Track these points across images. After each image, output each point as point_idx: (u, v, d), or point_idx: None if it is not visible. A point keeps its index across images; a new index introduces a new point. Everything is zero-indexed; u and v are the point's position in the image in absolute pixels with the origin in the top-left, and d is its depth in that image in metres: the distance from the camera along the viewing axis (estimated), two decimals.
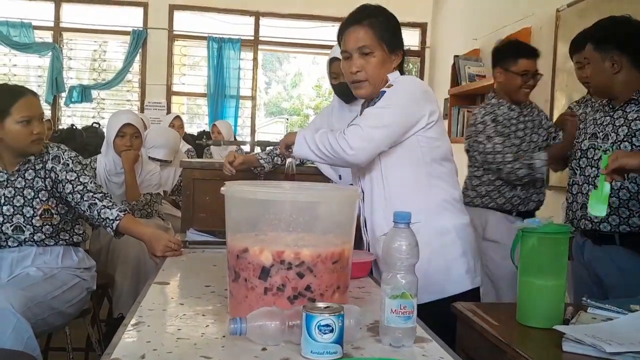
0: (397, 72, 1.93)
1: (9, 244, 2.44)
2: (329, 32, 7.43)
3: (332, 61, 2.33)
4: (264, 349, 1.12)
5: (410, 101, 1.86)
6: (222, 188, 1.31)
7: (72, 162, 2.48)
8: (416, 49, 7.48)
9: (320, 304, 1.10)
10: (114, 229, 2.37)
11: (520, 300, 1.39)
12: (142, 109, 7.28)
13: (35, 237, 2.45)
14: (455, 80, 5.71)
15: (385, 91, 1.85)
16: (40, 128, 2.38)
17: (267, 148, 2.67)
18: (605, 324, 1.28)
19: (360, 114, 1.95)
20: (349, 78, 1.93)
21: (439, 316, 1.46)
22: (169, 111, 7.24)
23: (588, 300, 1.43)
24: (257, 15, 7.60)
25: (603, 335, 1.19)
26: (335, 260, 1.27)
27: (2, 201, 2.42)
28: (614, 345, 1.13)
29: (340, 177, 2.45)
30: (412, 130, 1.86)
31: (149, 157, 3.84)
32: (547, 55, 3.95)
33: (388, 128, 1.81)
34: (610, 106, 2.31)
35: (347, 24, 1.94)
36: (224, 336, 1.20)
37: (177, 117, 6.08)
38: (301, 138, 1.89)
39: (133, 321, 1.28)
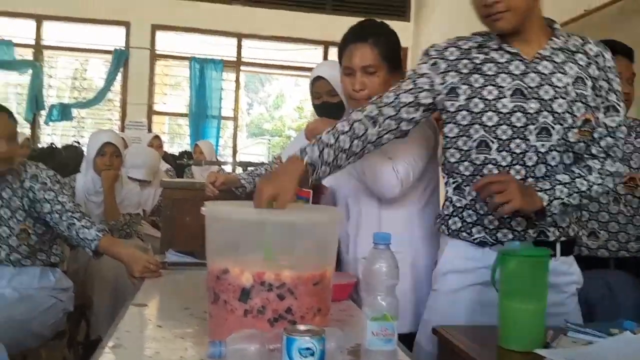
0: None
1: None
2: (311, 55, 7.50)
3: (315, 80, 2.34)
4: None
5: (426, 133, 1.88)
6: (202, 208, 1.30)
7: (50, 181, 2.45)
8: None
9: (301, 327, 1.09)
10: (92, 249, 2.34)
11: (501, 323, 1.39)
12: (122, 128, 7.26)
13: (11, 257, 2.41)
14: None
15: None
16: (7, 147, 2.32)
17: (248, 168, 2.66)
18: (586, 347, 1.29)
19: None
20: (350, 93, 1.88)
21: None
22: (149, 131, 7.22)
23: (568, 323, 1.43)
24: (240, 36, 7.64)
25: (583, 358, 1.19)
26: (316, 282, 1.26)
27: None
28: None
29: None
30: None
31: (129, 177, 3.82)
32: None
33: (419, 163, 1.83)
34: None
35: (351, 39, 1.89)
36: None
37: (156, 137, 6.07)
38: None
39: (110, 344, 1.26)
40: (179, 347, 1.27)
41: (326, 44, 7.42)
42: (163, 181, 3.22)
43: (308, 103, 3.69)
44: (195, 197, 2.58)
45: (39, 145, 6.82)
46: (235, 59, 7.70)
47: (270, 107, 12.17)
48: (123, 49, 7.40)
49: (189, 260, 2.30)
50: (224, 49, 7.67)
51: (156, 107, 7.65)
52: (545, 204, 1.48)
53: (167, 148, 6.94)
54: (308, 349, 1.04)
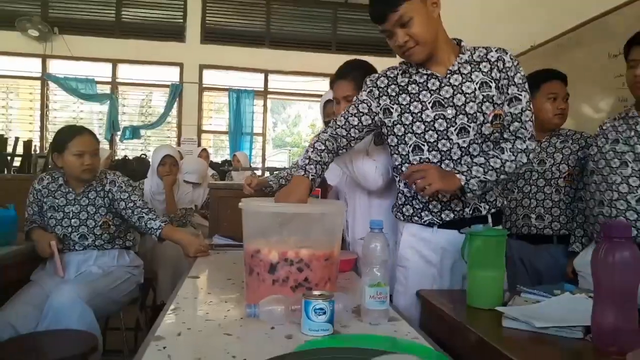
0: None
1: (76, 248, 2.42)
2: (320, 85, 7.48)
3: (326, 104, 2.33)
4: (272, 328, 1.11)
5: None
6: (239, 203, 1.30)
7: (125, 185, 2.47)
8: None
9: (316, 292, 1.09)
10: (157, 235, 2.35)
11: (469, 288, 1.38)
12: (179, 144, 7.29)
13: (96, 243, 2.43)
14: None
15: None
16: (92, 160, 2.35)
17: (275, 172, 2.65)
18: (535, 305, 1.28)
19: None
20: None
21: None
22: (199, 145, 7.26)
23: (521, 287, 1.42)
24: (266, 72, 7.66)
25: (533, 313, 1.18)
26: (327, 258, 1.26)
27: (71, 215, 2.40)
28: (541, 322, 1.13)
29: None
30: None
31: (184, 180, 3.84)
32: None
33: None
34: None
35: (336, 76, 1.92)
36: (241, 318, 1.18)
37: (204, 150, 6.10)
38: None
39: (172, 307, 1.27)
40: (223, 308, 1.27)
41: (332, 76, 7.40)
42: (210, 183, 3.23)
43: (319, 121, 3.68)
44: (234, 195, 2.58)
45: (116, 158, 6.87)
46: (263, 90, 7.72)
47: (290, 125, 12.18)
48: (178, 83, 7.44)
49: (231, 242, 2.31)
50: (254, 82, 7.69)
51: (204, 127, 7.68)
52: (463, 182, 1.45)
53: (212, 158, 6.96)
54: (321, 308, 1.04)
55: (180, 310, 1.25)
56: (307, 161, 1.50)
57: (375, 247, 1.15)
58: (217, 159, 7.37)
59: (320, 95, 3.21)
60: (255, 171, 5.67)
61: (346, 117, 1.61)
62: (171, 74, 7.49)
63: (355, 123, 1.59)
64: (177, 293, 1.42)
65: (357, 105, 1.61)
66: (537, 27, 3.58)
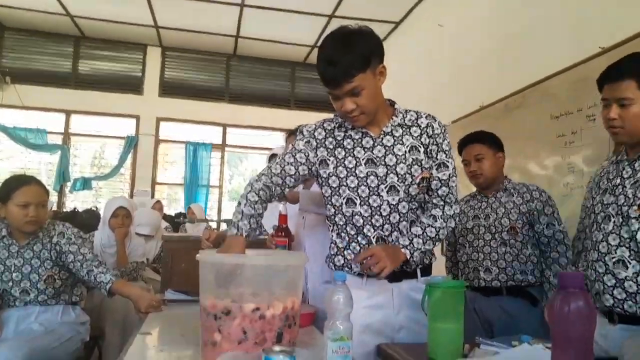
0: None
1: (16, 304, 2.26)
2: (276, 139, 7.56)
3: (271, 157, 2.34)
4: None
5: None
6: (197, 255, 1.26)
7: (75, 237, 2.36)
8: None
9: (276, 348, 1.05)
10: (107, 290, 2.24)
11: (429, 340, 1.36)
12: (132, 195, 7.10)
13: (39, 298, 2.28)
14: None
15: None
16: (36, 212, 2.24)
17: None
18: (494, 357, 1.27)
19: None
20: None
21: None
22: (152, 196, 7.09)
23: (480, 339, 1.42)
24: (225, 126, 7.69)
25: None
26: (288, 312, 1.22)
27: (12, 269, 2.26)
28: None
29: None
30: None
31: (136, 233, 3.73)
32: None
33: None
34: (482, 194, 2.40)
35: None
36: None
37: (158, 201, 5.96)
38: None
39: None
40: None
41: (288, 131, 7.50)
42: (163, 235, 3.15)
43: None
44: (188, 248, 2.51)
45: (64, 210, 6.60)
46: (221, 143, 7.71)
47: (246, 177, 12.16)
48: (134, 135, 7.34)
49: (184, 297, 2.22)
50: (212, 135, 7.69)
51: (158, 179, 7.54)
52: (408, 257, 1.52)
53: (166, 210, 6.79)
54: None
55: None
56: (239, 216, 1.51)
57: (339, 299, 1.13)
58: (171, 211, 7.21)
59: None
60: (210, 223, 5.58)
61: (282, 165, 1.60)
62: (127, 126, 7.39)
63: (292, 172, 1.60)
64: (127, 351, 1.34)
65: (294, 154, 1.61)
66: (485, 89, 3.78)
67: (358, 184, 1.56)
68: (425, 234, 1.56)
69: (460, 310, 1.37)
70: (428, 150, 1.59)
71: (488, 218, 2.34)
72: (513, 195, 2.34)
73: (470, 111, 3.88)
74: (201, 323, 1.26)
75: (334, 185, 1.59)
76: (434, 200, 1.61)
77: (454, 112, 4.04)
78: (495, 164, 2.37)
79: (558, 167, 2.93)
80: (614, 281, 1.48)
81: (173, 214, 6.63)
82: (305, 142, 1.62)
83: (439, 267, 2.62)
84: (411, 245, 1.53)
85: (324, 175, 1.61)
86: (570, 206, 2.75)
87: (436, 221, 1.58)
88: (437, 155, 1.59)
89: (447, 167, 1.60)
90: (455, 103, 4.07)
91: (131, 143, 7.31)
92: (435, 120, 1.63)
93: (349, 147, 1.59)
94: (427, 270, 1.65)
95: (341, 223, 1.61)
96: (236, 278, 1.22)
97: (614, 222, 1.50)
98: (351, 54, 1.42)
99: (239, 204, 1.55)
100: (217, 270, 1.26)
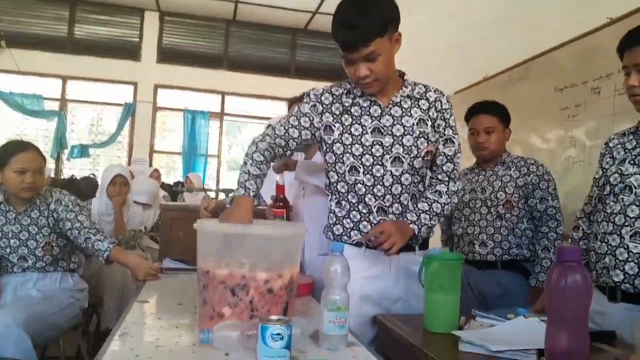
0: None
1: (14, 270, 2.28)
2: (276, 108, 7.51)
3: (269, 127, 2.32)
4: (227, 354, 1.07)
5: None
6: (194, 224, 1.26)
7: (72, 204, 2.36)
8: None
9: (273, 317, 1.06)
10: (105, 258, 2.25)
11: (426, 311, 1.38)
12: (129, 163, 7.10)
13: (37, 265, 2.30)
14: None
15: None
16: (33, 179, 2.22)
17: (230, 194, 2.60)
18: (490, 329, 1.29)
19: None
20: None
21: None
22: (150, 165, 7.08)
23: (476, 311, 1.43)
24: (223, 94, 7.62)
25: (488, 337, 1.19)
26: (285, 282, 1.23)
27: (10, 235, 2.27)
28: (496, 345, 1.14)
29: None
30: None
31: (134, 201, 3.73)
32: None
33: None
34: (480, 168, 2.38)
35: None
36: (194, 344, 1.14)
37: (155, 170, 5.97)
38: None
39: (118, 333, 1.20)
40: (174, 334, 1.22)
41: (290, 100, 7.45)
42: (161, 204, 3.15)
43: None
44: (186, 217, 2.52)
45: (62, 177, 6.61)
46: (219, 111, 7.66)
47: (245, 147, 12.15)
48: (131, 102, 7.29)
49: (182, 266, 2.24)
50: (210, 103, 7.64)
51: (156, 147, 7.53)
52: (416, 232, 1.53)
53: (164, 179, 6.80)
54: (278, 334, 1.01)
55: (128, 337, 1.18)
56: (246, 176, 1.51)
57: (336, 270, 1.14)
58: (169, 180, 7.22)
59: None
60: (208, 192, 5.59)
61: (286, 127, 1.60)
62: (124, 93, 7.33)
63: (295, 136, 1.60)
64: (125, 318, 1.35)
65: (298, 117, 1.60)
66: (489, 60, 3.73)
67: (363, 152, 1.56)
68: (431, 209, 1.56)
69: (458, 283, 1.39)
70: (435, 124, 1.59)
71: (485, 191, 2.33)
72: (510, 169, 2.32)
73: (474, 82, 3.84)
74: (198, 290, 1.26)
75: (338, 152, 1.58)
76: (439, 176, 1.62)
77: (456, 83, 4.00)
78: (502, 139, 2.35)
79: (560, 140, 2.91)
80: (626, 255, 1.43)
81: (171, 183, 6.64)
82: (311, 106, 1.60)
83: (435, 240, 2.64)
84: (419, 220, 1.54)
85: (328, 142, 1.60)
86: (571, 180, 2.74)
87: (441, 197, 1.59)
88: (444, 130, 1.60)
89: (454, 143, 1.61)
90: (458, 74, 4.03)
91: (129, 110, 7.26)
92: (444, 95, 1.63)
93: (356, 114, 1.58)
94: (424, 243, 1.67)
95: (343, 191, 1.61)
96: (232, 248, 1.22)
97: (636, 193, 1.43)
98: (370, 17, 1.40)
99: (245, 163, 1.55)
100: (213, 239, 1.26)
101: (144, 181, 4.22)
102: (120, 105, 7.28)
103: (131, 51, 7.28)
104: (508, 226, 2.26)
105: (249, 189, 1.49)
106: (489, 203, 2.30)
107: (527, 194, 2.26)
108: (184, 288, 1.81)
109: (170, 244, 2.56)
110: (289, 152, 1.64)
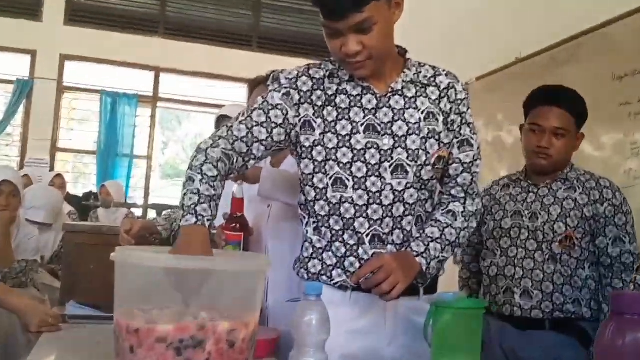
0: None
1: None
2: (234, 93, 7.50)
3: (220, 120, 2.32)
4: None
5: None
6: (112, 254, 1.25)
7: None
8: None
9: None
10: None
11: None
12: (21, 166, 7.01)
13: None
14: None
15: None
16: None
17: (165, 213, 2.59)
18: None
19: None
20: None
21: None
22: (52, 169, 7.01)
23: None
24: (157, 70, 7.60)
25: None
26: (250, 334, 1.22)
27: None
28: None
29: None
30: None
31: (26, 219, 3.69)
32: None
33: None
34: (529, 182, 2.35)
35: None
36: None
37: (58, 175, 5.91)
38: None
39: None
40: None
41: (252, 81, 7.47)
42: (66, 224, 3.12)
43: None
44: (101, 243, 2.51)
45: None
46: (151, 94, 7.63)
47: (187, 147, 12.07)
48: (27, 79, 7.21)
49: (93, 313, 2.22)
50: (139, 82, 7.61)
51: (60, 144, 7.46)
52: (424, 267, 1.52)
53: (70, 188, 6.74)
54: None
55: None
56: (196, 198, 1.41)
57: (311, 321, 1.14)
58: (77, 190, 7.15)
59: None
60: (132, 209, 5.55)
61: (249, 126, 1.53)
62: (18, 65, 7.25)
63: (263, 137, 1.54)
64: None
65: (266, 111, 1.55)
66: (524, 37, 3.79)
67: (353, 158, 1.55)
68: (444, 236, 1.56)
69: (478, 341, 1.39)
70: (449, 120, 1.60)
71: (535, 218, 2.26)
72: (575, 191, 2.23)
73: (502, 65, 3.90)
74: (115, 347, 1.24)
75: (319, 159, 1.57)
76: (452, 191, 1.63)
77: (479, 66, 4.04)
78: (572, 147, 2.28)
79: (618, 146, 2.97)
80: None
81: (81, 195, 6.58)
82: (284, 95, 1.57)
83: (449, 279, 2.64)
84: (427, 252, 1.53)
85: (306, 144, 1.58)
86: (632, 202, 2.79)
87: (456, 220, 1.60)
88: (460, 129, 1.61)
89: (472, 145, 1.62)
90: (482, 53, 4.08)
91: (23, 90, 7.18)
92: (458, 82, 1.64)
93: (343, 105, 1.58)
94: (432, 285, 1.66)
95: (322, 213, 1.60)
96: (166, 288, 1.21)
97: None
98: None
99: (191, 179, 1.43)
100: (139, 276, 1.25)
101: (42, 192, 4.19)
102: (10, 82, 7.20)
103: (29, 8, 7.22)
104: (565, 272, 2.21)
105: (201, 215, 1.38)
106: (541, 237, 2.24)
107: (595, 231, 2.24)
108: (96, 343, 1.77)
109: (77, 280, 2.54)
110: (252, 161, 1.57)
